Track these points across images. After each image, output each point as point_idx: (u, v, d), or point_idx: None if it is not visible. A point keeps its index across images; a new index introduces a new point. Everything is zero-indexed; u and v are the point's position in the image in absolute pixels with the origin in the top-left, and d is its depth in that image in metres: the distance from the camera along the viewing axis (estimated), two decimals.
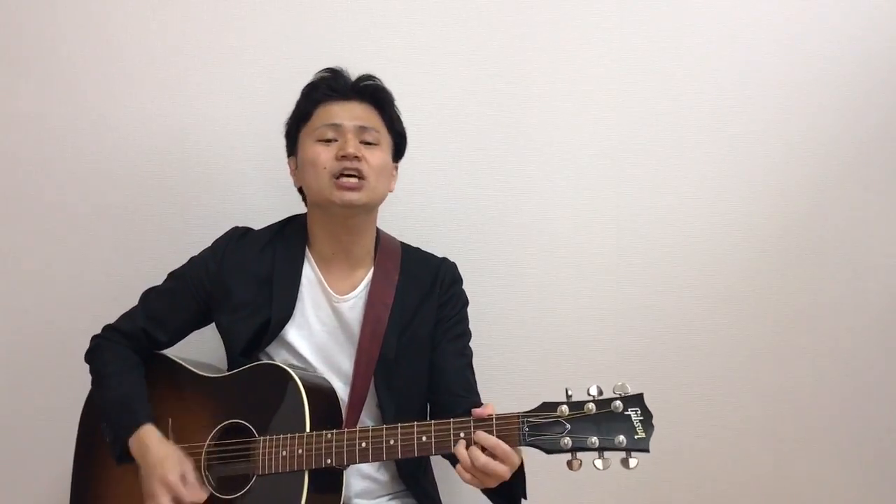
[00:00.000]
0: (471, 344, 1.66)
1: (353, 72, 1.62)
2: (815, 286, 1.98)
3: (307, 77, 1.62)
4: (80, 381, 1.63)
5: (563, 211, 1.95)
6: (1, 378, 1.90)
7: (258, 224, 1.68)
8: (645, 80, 1.94)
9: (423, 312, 1.60)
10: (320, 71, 1.61)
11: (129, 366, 1.58)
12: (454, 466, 1.35)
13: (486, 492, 1.43)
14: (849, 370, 1.98)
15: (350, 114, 1.55)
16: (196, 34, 1.90)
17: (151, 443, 1.48)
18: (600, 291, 1.95)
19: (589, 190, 1.95)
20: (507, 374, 1.93)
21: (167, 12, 1.90)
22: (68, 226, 1.90)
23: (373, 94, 1.60)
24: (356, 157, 1.51)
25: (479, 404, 1.39)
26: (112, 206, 1.90)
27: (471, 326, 1.67)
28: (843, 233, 1.98)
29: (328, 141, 1.54)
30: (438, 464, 1.69)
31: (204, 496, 1.45)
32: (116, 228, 1.91)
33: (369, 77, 1.61)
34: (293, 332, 1.57)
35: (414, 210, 1.91)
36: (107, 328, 1.63)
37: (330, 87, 1.58)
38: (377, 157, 1.55)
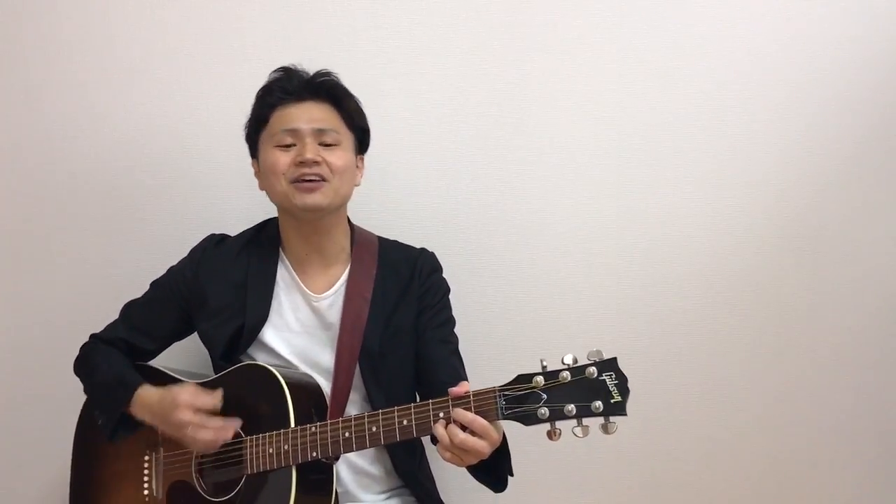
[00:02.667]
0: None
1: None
2: (814, 286, 1.98)
3: None
4: (80, 382, 1.63)
5: (563, 211, 1.95)
6: (1, 378, 1.90)
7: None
8: (645, 80, 1.94)
9: (404, 304, 1.60)
10: (273, 71, 1.59)
11: (112, 356, 1.61)
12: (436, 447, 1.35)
13: (474, 473, 1.44)
14: (849, 370, 1.98)
15: (307, 116, 1.53)
16: (195, 34, 1.90)
17: (152, 394, 1.51)
18: (601, 291, 1.95)
19: (589, 189, 1.95)
20: (507, 374, 1.92)
21: (167, 12, 1.90)
22: (68, 226, 1.90)
23: (328, 91, 1.57)
24: (315, 161, 1.50)
25: None
26: (111, 207, 1.90)
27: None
28: (842, 232, 1.98)
29: (287, 146, 1.52)
30: (437, 463, 1.69)
31: (219, 396, 1.46)
32: (116, 228, 1.91)
33: (323, 73, 1.59)
34: (271, 334, 1.58)
35: (414, 210, 1.91)
36: (91, 337, 1.66)
37: (284, 89, 1.55)
38: (338, 156, 1.53)
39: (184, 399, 1.45)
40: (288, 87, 1.56)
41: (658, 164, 1.95)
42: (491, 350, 1.88)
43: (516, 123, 1.94)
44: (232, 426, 1.45)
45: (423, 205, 1.92)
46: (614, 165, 1.95)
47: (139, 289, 1.67)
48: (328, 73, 1.59)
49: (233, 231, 1.71)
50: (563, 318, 1.94)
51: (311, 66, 1.61)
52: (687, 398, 1.97)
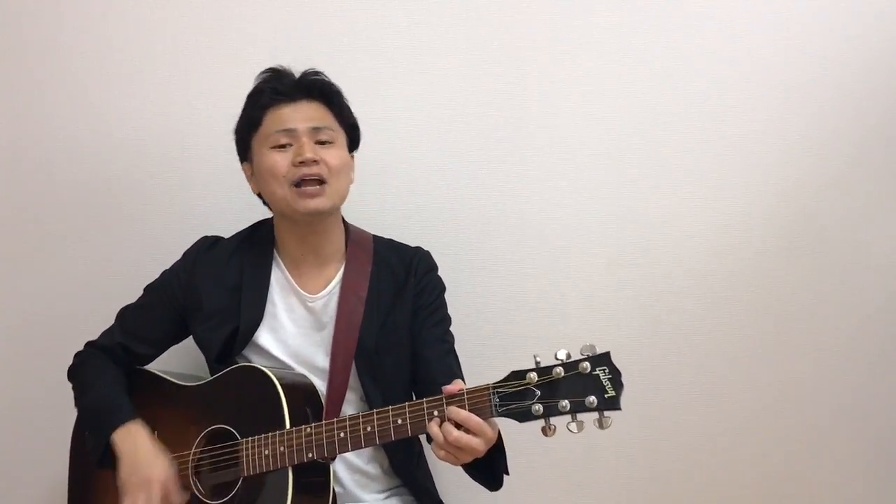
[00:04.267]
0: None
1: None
2: (814, 286, 1.98)
3: None
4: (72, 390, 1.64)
5: (563, 211, 1.95)
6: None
7: None
8: (645, 80, 1.94)
9: (399, 302, 1.60)
10: (262, 73, 1.59)
11: (109, 373, 1.60)
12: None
13: (470, 471, 1.44)
14: (849, 369, 1.98)
15: (302, 115, 1.53)
16: (196, 34, 1.90)
17: (144, 439, 1.49)
18: (601, 291, 1.95)
19: (589, 190, 1.95)
20: (506, 373, 1.92)
21: (167, 12, 1.90)
22: (68, 226, 1.90)
23: (320, 89, 1.57)
24: (314, 161, 1.49)
25: None
26: (112, 207, 1.90)
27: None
28: (842, 232, 1.98)
29: (283, 146, 1.52)
30: (436, 462, 1.68)
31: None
32: (116, 229, 1.91)
33: (313, 73, 1.58)
34: (266, 337, 1.57)
35: (414, 210, 1.91)
36: (87, 345, 1.65)
37: (275, 89, 1.55)
38: (335, 155, 1.53)
39: (165, 480, 1.45)
40: (279, 87, 1.55)
41: (658, 164, 1.95)
42: (490, 350, 1.88)
43: (516, 123, 1.94)
44: None
45: (423, 205, 1.92)
46: (614, 165, 1.95)
47: (138, 289, 1.67)
48: (318, 72, 1.59)
49: (233, 231, 1.71)
50: (563, 317, 1.94)
51: (311, 66, 1.61)
52: (687, 398, 1.96)
